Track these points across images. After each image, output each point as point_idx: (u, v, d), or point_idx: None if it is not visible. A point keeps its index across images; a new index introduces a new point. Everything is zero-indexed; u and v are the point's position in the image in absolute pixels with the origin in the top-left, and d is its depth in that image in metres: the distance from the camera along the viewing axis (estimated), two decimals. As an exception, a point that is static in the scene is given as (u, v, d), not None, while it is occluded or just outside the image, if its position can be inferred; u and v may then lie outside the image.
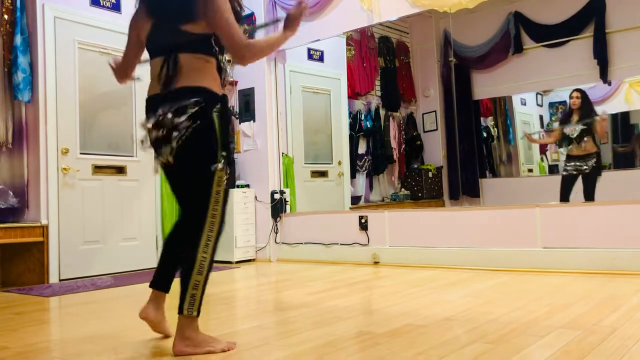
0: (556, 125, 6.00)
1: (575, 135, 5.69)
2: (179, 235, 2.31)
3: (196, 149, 2.11)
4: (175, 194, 2.35)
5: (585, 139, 5.64)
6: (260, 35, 2.31)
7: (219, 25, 2.12)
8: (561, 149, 6.07)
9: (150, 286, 2.37)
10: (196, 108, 2.09)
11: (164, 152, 2.14)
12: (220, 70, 2.25)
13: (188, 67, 2.14)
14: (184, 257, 2.16)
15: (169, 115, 2.10)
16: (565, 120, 5.85)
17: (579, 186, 5.67)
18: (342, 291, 3.54)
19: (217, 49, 2.20)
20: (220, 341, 2.19)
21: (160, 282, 2.36)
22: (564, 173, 5.77)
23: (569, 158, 5.77)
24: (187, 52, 2.15)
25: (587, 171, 5.62)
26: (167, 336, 2.41)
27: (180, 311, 2.12)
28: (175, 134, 2.08)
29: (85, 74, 4.76)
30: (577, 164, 5.67)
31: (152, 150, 2.24)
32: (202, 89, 2.13)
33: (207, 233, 2.13)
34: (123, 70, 2.53)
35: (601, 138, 5.75)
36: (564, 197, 5.67)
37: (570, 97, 5.85)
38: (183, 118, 2.08)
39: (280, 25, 2.40)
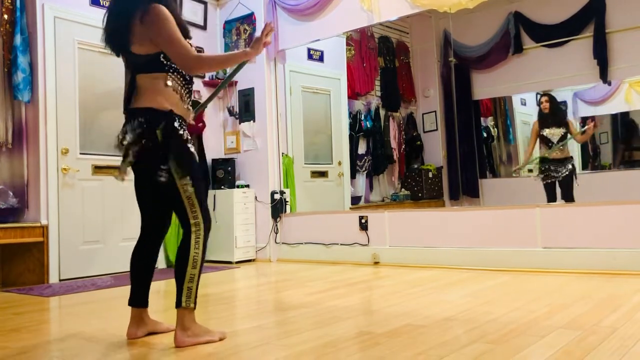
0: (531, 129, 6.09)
1: (556, 140, 5.75)
2: (150, 248, 2.46)
3: (148, 165, 2.29)
4: (151, 207, 2.45)
5: (563, 143, 5.71)
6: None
7: (163, 46, 2.28)
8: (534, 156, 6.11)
9: (129, 304, 2.44)
10: (139, 130, 2.27)
11: (122, 168, 2.33)
12: (184, 82, 2.39)
13: (142, 87, 2.32)
14: (178, 255, 2.30)
15: (120, 137, 2.34)
16: (542, 124, 5.84)
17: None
18: (342, 291, 3.54)
19: (168, 63, 2.33)
20: (214, 331, 2.34)
21: (138, 298, 2.44)
22: (544, 180, 5.81)
23: (546, 161, 5.80)
24: (142, 73, 2.32)
25: (565, 174, 5.67)
26: (170, 331, 2.46)
27: (179, 304, 2.25)
28: (128, 152, 2.29)
29: (85, 74, 4.76)
30: (554, 167, 5.72)
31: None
32: (147, 109, 2.29)
33: (195, 233, 2.30)
34: None
35: (582, 142, 5.85)
36: (552, 200, 5.73)
37: (540, 102, 5.89)
38: (129, 139, 2.28)
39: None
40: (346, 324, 2.57)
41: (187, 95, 2.41)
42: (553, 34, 6.86)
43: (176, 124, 2.29)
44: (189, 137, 2.37)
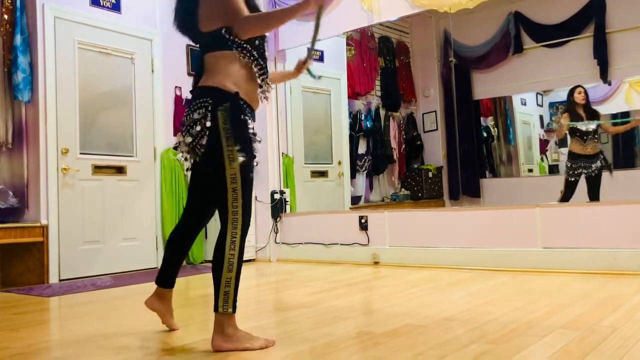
0: (562, 121, 5.60)
1: (589, 132, 5.45)
2: (187, 234, 2.41)
3: (206, 149, 2.16)
4: (198, 198, 2.39)
5: (594, 137, 5.47)
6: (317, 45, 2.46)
7: (219, 15, 2.18)
8: (561, 149, 5.96)
9: (155, 282, 2.48)
10: (202, 109, 2.15)
11: (182, 151, 2.23)
12: (253, 60, 2.23)
13: (209, 66, 2.23)
14: (214, 257, 2.20)
15: (185, 119, 2.22)
16: (573, 117, 5.53)
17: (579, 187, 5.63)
18: (342, 291, 3.54)
19: (231, 38, 2.20)
20: (259, 338, 2.20)
21: (164, 279, 2.47)
22: (571, 177, 5.53)
23: (577, 157, 5.51)
24: (209, 52, 2.24)
25: (595, 172, 5.46)
26: (173, 329, 2.51)
27: (216, 309, 2.16)
28: (189, 134, 2.18)
29: (85, 74, 4.75)
30: (585, 164, 5.46)
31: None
32: (211, 88, 2.18)
33: (231, 231, 2.15)
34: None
35: (615, 133, 5.67)
36: (567, 199, 5.52)
37: (578, 92, 5.58)
38: (195, 117, 2.16)
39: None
40: (346, 324, 2.57)
41: (260, 74, 2.26)
42: (553, 34, 6.86)
43: (237, 108, 2.16)
44: (251, 126, 2.24)
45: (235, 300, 2.19)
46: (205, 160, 2.18)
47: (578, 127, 5.49)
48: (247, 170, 2.17)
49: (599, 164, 5.49)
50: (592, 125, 5.48)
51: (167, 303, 2.49)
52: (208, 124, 2.13)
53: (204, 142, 2.14)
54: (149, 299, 2.49)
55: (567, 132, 5.62)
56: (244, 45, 2.20)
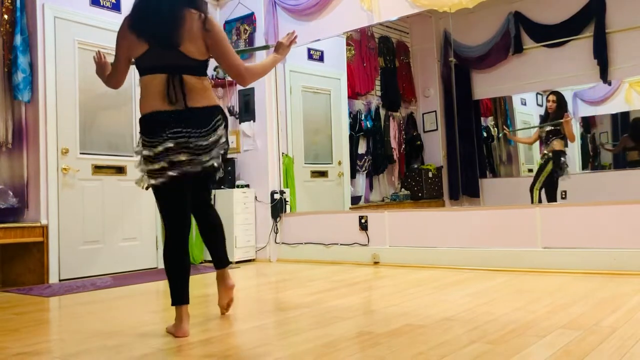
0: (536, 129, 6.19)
1: (543, 137, 5.83)
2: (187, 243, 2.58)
3: (213, 156, 2.50)
4: (185, 201, 2.53)
5: (551, 142, 5.72)
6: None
7: (220, 57, 2.50)
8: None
9: (181, 303, 2.47)
10: (221, 125, 2.52)
11: (203, 160, 2.44)
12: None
13: (195, 87, 2.45)
14: (218, 223, 2.81)
15: (212, 131, 2.47)
16: (542, 122, 5.97)
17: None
18: (342, 291, 3.54)
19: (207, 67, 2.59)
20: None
21: (187, 294, 2.51)
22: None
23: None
24: (192, 75, 2.45)
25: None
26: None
27: (228, 263, 2.82)
28: (216, 146, 2.48)
29: (85, 74, 4.75)
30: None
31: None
32: (216, 107, 2.52)
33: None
34: (106, 75, 2.80)
35: (571, 139, 5.76)
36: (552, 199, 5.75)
37: (547, 100, 5.95)
38: (215, 136, 2.47)
39: (271, 50, 2.86)
40: (346, 324, 2.57)
41: None
42: (553, 34, 6.85)
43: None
44: None
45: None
46: (212, 165, 2.50)
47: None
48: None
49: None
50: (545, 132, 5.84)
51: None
52: (224, 138, 2.54)
53: (223, 151, 2.53)
54: (184, 328, 2.43)
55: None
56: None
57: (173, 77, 2.40)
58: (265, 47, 2.98)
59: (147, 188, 2.49)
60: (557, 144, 5.72)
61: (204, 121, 2.43)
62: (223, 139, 2.52)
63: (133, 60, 2.56)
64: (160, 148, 2.36)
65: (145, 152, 2.41)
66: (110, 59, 2.75)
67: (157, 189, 2.46)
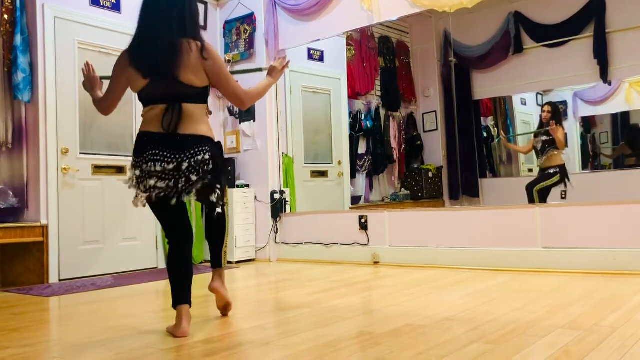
0: (531, 137, 6.15)
1: (539, 148, 5.80)
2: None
3: (207, 184, 2.55)
4: (180, 214, 2.58)
5: (548, 152, 5.69)
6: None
7: (220, 84, 2.56)
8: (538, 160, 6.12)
9: (183, 303, 2.50)
10: (207, 157, 2.48)
11: (194, 181, 2.47)
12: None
13: (192, 115, 2.48)
14: (221, 228, 2.82)
15: (189, 158, 2.46)
16: (537, 133, 5.92)
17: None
18: (342, 291, 3.54)
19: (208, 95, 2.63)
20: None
21: (190, 295, 2.57)
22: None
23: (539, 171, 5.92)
24: (191, 103, 2.48)
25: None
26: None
27: (220, 265, 2.81)
28: (196, 172, 2.47)
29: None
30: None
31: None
32: (207, 138, 2.52)
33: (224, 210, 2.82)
34: (97, 96, 2.78)
35: (560, 147, 5.69)
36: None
37: (542, 110, 5.89)
38: (202, 158, 2.49)
39: (264, 73, 2.95)
40: (346, 324, 2.57)
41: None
42: (553, 34, 6.85)
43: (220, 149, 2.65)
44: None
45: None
46: (207, 193, 2.57)
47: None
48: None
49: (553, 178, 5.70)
50: (540, 144, 5.81)
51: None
52: (214, 167, 2.51)
53: (209, 173, 2.51)
54: (184, 328, 2.44)
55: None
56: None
57: (173, 107, 2.44)
58: (258, 70, 3.04)
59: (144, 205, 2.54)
60: (558, 158, 5.69)
61: (184, 147, 2.43)
62: (207, 167, 2.47)
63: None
64: (137, 172, 2.46)
65: (129, 174, 2.52)
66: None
67: (150, 205, 2.53)
